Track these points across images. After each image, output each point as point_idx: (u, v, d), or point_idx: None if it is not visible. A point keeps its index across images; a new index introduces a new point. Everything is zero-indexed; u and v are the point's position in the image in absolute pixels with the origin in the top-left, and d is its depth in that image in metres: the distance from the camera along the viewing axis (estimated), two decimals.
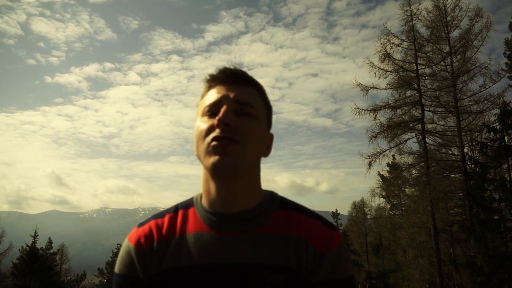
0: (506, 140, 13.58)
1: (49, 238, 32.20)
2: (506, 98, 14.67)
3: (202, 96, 0.98)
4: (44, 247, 30.16)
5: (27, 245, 27.18)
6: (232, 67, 0.96)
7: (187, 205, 0.99)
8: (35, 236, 28.22)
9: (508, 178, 13.44)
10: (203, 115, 0.93)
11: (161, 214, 0.99)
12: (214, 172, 0.87)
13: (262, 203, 0.95)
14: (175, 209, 0.99)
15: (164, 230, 0.94)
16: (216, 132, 0.86)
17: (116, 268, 0.94)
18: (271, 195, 1.00)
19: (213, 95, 0.93)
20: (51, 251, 31.04)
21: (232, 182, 0.89)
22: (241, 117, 0.90)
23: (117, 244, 37.45)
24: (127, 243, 0.95)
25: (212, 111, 0.91)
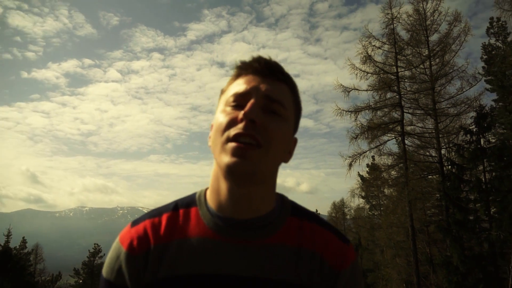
0: (482, 143, 13.94)
1: (23, 237, 31.49)
2: (482, 102, 15.07)
3: (229, 83, 0.89)
4: (17, 247, 29.56)
5: (0, 245, 26.46)
6: (267, 57, 0.87)
7: (189, 203, 0.89)
8: (8, 235, 27.59)
9: (483, 179, 13.80)
10: (226, 104, 0.84)
11: (157, 212, 0.88)
12: (228, 174, 0.78)
13: (274, 209, 0.87)
14: (175, 207, 0.88)
15: (161, 232, 0.84)
16: (238, 128, 0.77)
17: (104, 270, 0.85)
18: (282, 199, 0.92)
19: (241, 84, 0.84)
20: (25, 250, 30.42)
21: (247, 187, 0.80)
22: (268, 115, 0.80)
23: (94, 243, 36.82)
24: (118, 245, 0.85)
25: (237, 102, 0.82)
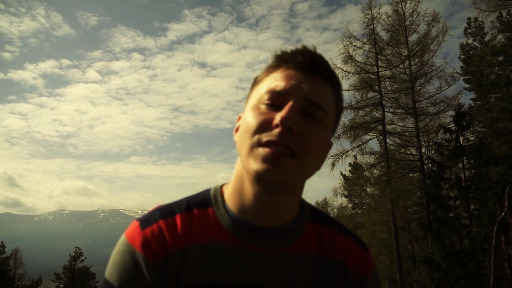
0: (461, 141, 14.22)
1: (2, 242, 31.05)
2: (460, 100, 15.38)
3: (265, 74, 0.78)
4: None
5: None
6: (312, 48, 0.76)
7: (203, 203, 0.80)
8: None
9: (463, 177, 14.07)
10: (260, 101, 0.74)
11: (169, 212, 0.78)
12: (257, 181, 0.71)
13: (295, 218, 0.80)
14: (188, 207, 0.79)
15: (178, 235, 0.75)
16: (272, 135, 0.68)
17: (116, 279, 0.72)
18: (302, 203, 0.85)
19: (279, 80, 0.73)
20: (4, 255, 30.01)
21: (276, 195, 0.73)
22: (307, 120, 0.71)
23: (75, 247, 36.27)
24: (130, 249, 0.73)
25: (273, 100, 0.72)
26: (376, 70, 16.36)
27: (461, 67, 19.44)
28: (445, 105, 15.80)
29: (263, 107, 0.73)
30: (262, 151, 0.68)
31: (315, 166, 0.75)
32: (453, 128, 14.39)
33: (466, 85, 18.64)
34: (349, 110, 16.23)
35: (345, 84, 17.55)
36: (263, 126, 0.70)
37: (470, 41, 20.45)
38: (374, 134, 16.56)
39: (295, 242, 0.78)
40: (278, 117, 0.68)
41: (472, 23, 20.30)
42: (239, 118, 0.81)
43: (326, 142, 0.76)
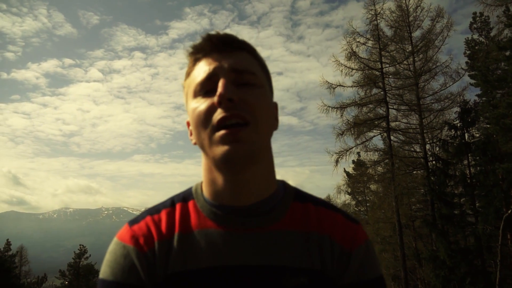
0: (466, 137, 14.08)
1: (7, 239, 31.28)
2: (466, 97, 15.21)
3: (188, 74, 0.81)
4: (2, 249, 29.29)
5: None
6: (215, 32, 0.79)
7: (185, 197, 0.84)
8: None
9: (468, 174, 13.93)
10: (195, 95, 0.77)
11: (156, 209, 0.82)
12: (225, 164, 0.72)
13: (275, 194, 0.81)
14: (171, 203, 0.83)
15: (163, 228, 0.78)
16: (219, 113, 0.71)
17: (108, 275, 0.74)
18: (284, 184, 0.86)
19: (203, 68, 0.76)
20: (10, 253, 30.25)
21: (246, 172, 0.74)
22: (243, 88, 0.74)
23: (80, 245, 36.50)
24: (121, 244, 0.77)
25: (206, 88, 0.75)
26: (379, 67, 16.20)
27: (467, 62, 19.22)
28: (450, 102, 15.61)
29: (199, 98, 0.76)
30: (218, 134, 0.70)
31: (270, 127, 0.78)
32: (458, 125, 14.28)
33: (472, 81, 18.41)
34: (352, 106, 16.12)
35: (348, 80, 17.47)
36: (209, 110, 0.72)
37: (475, 36, 20.21)
38: (378, 131, 16.40)
39: (278, 220, 0.78)
40: (216, 95, 0.71)
41: (478, 18, 20.05)
42: (188, 124, 0.83)
43: (268, 100, 0.79)
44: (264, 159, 0.78)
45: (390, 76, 16.75)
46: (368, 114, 16.33)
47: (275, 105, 0.85)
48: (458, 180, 13.73)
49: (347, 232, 0.80)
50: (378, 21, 16.26)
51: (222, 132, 0.70)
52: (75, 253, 35.62)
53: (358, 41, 16.34)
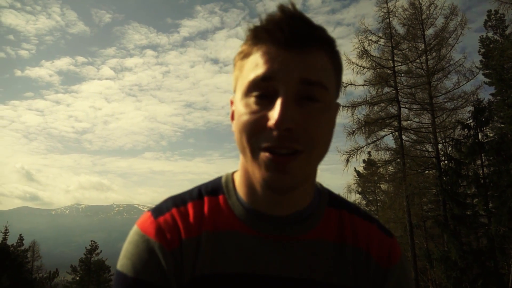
0: (480, 137, 13.87)
1: (20, 234, 31.67)
2: (479, 96, 14.97)
3: (245, 54, 0.67)
4: (15, 244, 29.77)
5: None
6: (290, 9, 0.63)
7: (215, 190, 0.77)
8: (5, 232, 27.65)
9: (481, 174, 13.74)
10: (247, 94, 0.65)
11: (181, 200, 0.75)
12: (267, 189, 0.67)
13: (311, 204, 0.75)
14: (199, 195, 0.76)
15: (191, 223, 0.71)
16: (270, 140, 0.61)
17: (130, 270, 0.67)
18: (319, 188, 0.80)
19: (261, 63, 0.63)
20: (22, 248, 30.62)
21: (287, 195, 0.69)
22: (306, 106, 0.62)
23: (91, 241, 36.88)
24: (144, 237, 0.69)
25: (261, 91, 0.63)
26: (391, 65, 16.07)
27: (481, 61, 18.97)
28: (463, 101, 15.38)
29: (252, 101, 0.64)
30: (264, 157, 0.62)
31: (324, 151, 0.68)
32: (472, 124, 14.07)
33: (486, 80, 18.18)
34: (363, 105, 16.01)
35: (360, 79, 17.35)
36: (258, 128, 0.63)
37: (490, 34, 19.94)
38: (390, 130, 16.27)
39: (312, 228, 0.73)
40: (272, 119, 0.60)
41: (493, 16, 19.77)
42: (232, 102, 0.73)
43: (331, 120, 0.68)
44: (309, 182, 0.72)
45: (402, 75, 16.61)
46: (380, 113, 16.22)
47: (336, 108, 0.73)
48: (471, 180, 13.53)
49: (383, 247, 0.76)
50: (391, 19, 16.13)
51: (269, 156, 0.62)
52: (86, 248, 35.98)
53: (370, 39, 16.23)
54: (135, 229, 0.72)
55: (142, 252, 0.68)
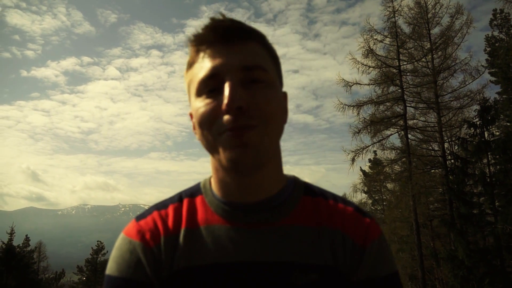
0: (486, 136, 13.83)
1: (26, 235, 31.62)
2: (485, 94, 14.92)
3: (190, 64, 0.76)
4: (21, 245, 29.70)
5: (3, 243, 26.55)
6: (221, 17, 0.73)
7: (193, 193, 0.83)
8: (11, 233, 27.65)
9: (488, 172, 13.70)
10: (199, 94, 0.72)
11: (163, 205, 0.82)
12: (234, 170, 0.71)
13: (284, 189, 0.79)
14: (179, 198, 0.82)
15: (170, 223, 0.77)
16: (227, 122, 0.67)
17: (114, 270, 0.73)
18: (294, 179, 0.84)
19: (206, 64, 0.71)
20: (29, 248, 30.55)
21: (254, 175, 0.73)
22: (251, 87, 0.69)
23: (97, 241, 36.91)
24: (127, 240, 0.76)
25: (210, 86, 0.70)
26: (397, 64, 16.03)
27: (487, 60, 18.88)
28: (469, 99, 15.33)
29: (204, 96, 0.71)
30: (225, 138, 0.68)
31: (280, 126, 0.74)
32: (478, 123, 14.02)
33: (492, 78, 18.10)
34: (369, 104, 15.99)
35: (365, 78, 17.32)
36: (214, 115, 0.69)
37: (495, 33, 19.84)
38: (395, 129, 16.22)
39: (287, 215, 0.76)
40: (224, 102, 0.67)
41: (498, 15, 19.68)
42: (191, 115, 0.79)
43: (278, 97, 0.74)
44: (273, 159, 0.76)
45: (408, 74, 16.57)
46: (385, 112, 16.18)
47: (284, 96, 0.79)
48: (477, 179, 13.49)
49: (360, 226, 0.77)
50: (396, 18, 16.11)
51: (228, 134, 0.67)
52: (92, 249, 36.00)
53: (376, 39, 16.21)
54: (121, 235, 0.79)
55: (124, 253, 0.74)
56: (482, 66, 15.97)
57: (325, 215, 0.78)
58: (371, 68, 16.17)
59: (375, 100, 15.97)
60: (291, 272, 0.71)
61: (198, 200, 0.81)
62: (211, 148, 0.72)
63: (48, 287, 31.67)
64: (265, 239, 0.73)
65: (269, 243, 0.73)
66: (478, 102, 14.61)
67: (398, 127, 16.07)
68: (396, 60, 16.08)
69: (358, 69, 16.18)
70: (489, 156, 13.94)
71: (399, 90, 15.93)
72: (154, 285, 0.72)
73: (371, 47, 16.04)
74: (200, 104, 0.71)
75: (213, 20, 0.72)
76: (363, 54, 16.08)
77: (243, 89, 0.68)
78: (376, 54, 16.12)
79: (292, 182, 0.82)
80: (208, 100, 0.70)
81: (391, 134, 16.22)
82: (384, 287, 0.75)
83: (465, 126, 14.65)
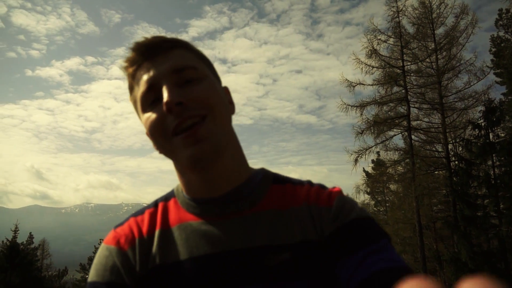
0: (491, 137, 13.71)
1: (30, 233, 31.82)
2: (490, 95, 14.82)
3: (130, 89, 0.80)
4: (25, 242, 29.90)
5: (8, 240, 26.75)
6: (143, 38, 0.77)
7: (167, 197, 0.87)
8: (15, 230, 27.81)
9: (492, 174, 13.58)
10: (144, 109, 0.76)
11: (140, 211, 0.86)
12: (194, 166, 0.72)
13: (251, 179, 0.81)
14: (155, 204, 0.86)
15: (144, 227, 0.81)
16: (172, 120, 0.70)
17: (94, 276, 0.76)
18: (263, 170, 0.86)
19: (141, 81, 0.75)
20: (32, 246, 30.76)
21: (215, 166, 0.75)
22: (187, 86, 0.73)
23: (100, 239, 37.19)
24: (104, 247, 0.80)
25: (150, 99, 0.74)
26: (401, 64, 15.96)
27: (492, 60, 18.69)
28: (474, 100, 15.25)
29: (149, 109, 0.75)
30: (178, 140, 0.71)
31: (226, 113, 0.78)
32: (483, 124, 13.92)
33: (497, 79, 17.97)
34: (372, 105, 15.93)
35: (369, 79, 17.24)
36: (161, 119, 0.72)
37: (501, 33, 19.65)
38: (399, 130, 16.16)
39: (258, 202, 0.78)
40: (163, 104, 0.70)
41: (504, 15, 19.47)
42: (147, 134, 0.81)
43: (218, 87, 0.79)
44: (230, 147, 0.78)
45: (412, 74, 16.50)
46: (389, 112, 16.12)
47: (226, 90, 0.84)
48: (481, 181, 13.38)
49: (323, 193, 0.79)
50: (400, 18, 16.01)
51: (180, 136, 0.70)
52: (95, 247, 36.21)
53: (379, 39, 16.15)
54: (101, 245, 0.82)
55: (102, 259, 0.77)
56: (487, 66, 15.87)
57: (292, 198, 0.80)
58: (374, 69, 16.11)
59: (378, 100, 15.90)
60: (264, 255, 0.72)
61: (171, 202, 0.84)
62: (169, 153, 0.75)
63: (51, 284, 31.84)
64: (236, 228, 0.75)
65: (240, 231, 0.75)
66: (483, 103, 14.52)
67: (402, 128, 16.00)
68: (400, 61, 16.00)
69: (362, 69, 16.13)
70: (494, 158, 13.83)
71: (403, 91, 15.86)
72: (130, 286, 0.74)
73: (375, 47, 15.97)
74: (147, 116, 0.74)
75: (136, 43, 0.77)
76: (366, 55, 16.02)
77: (179, 89, 0.72)
78: (380, 54, 16.05)
79: (260, 173, 0.85)
80: (151, 112, 0.74)
81: (395, 135, 16.16)
82: (350, 231, 0.72)
83: (470, 127, 14.56)
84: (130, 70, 0.77)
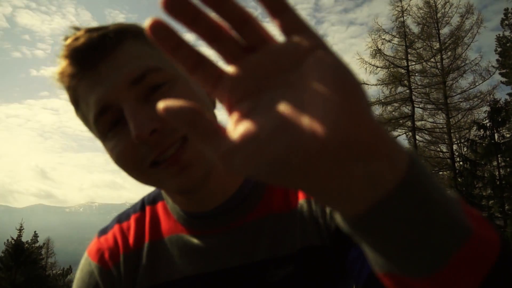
0: (496, 138, 13.65)
1: (35, 231, 32.08)
2: (496, 95, 14.77)
3: (75, 103, 0.64)
4: (29, 241, 30.15)
5: (13, 239, 26.98)
6: (75, 32, 0.60)
7: (155, 198, 0.76)
8: (20, 229, 28.04)
9: (497, 175, 13.52)
10: (102, 136, 0.61)
11: (126, 215, 0.76)
12: (183, 193, 0.64)
13: (244, 184, 0.70)
14: (142, 206, 0.76)
15: (131, 238, 0.72)
16: (148, 151, 0.57)
17: None
18: None
19: (90, 101, 0.58)
20: (37, 244, 31.00)
21: (206, 186, 0.63)
22: (154, 98, 0.57)
23: None
24: (87, 260, 0.72)
25: (108, 122, 0.59)
26: (405, 64, 15.92)
27: (497, 60, 18.59)
28: (479, 100, 15.21)
29: (110, 136, 0.59)
30: (161, 170, 0.58)
31: (212, 115, 0.65)
32: (488, 125, 13.87)
33: (503, 79, 17.85)
34: (376, 105, 15.89)
35: (373, 78, 17.21)
36: (132, 153, 0.58)
37: (507, 33, 19.52)
38: (403, 130, 16.14)
39: (254, 209, 0.69)
40: (133, 138, 0.55)
41: (510, 14, 19.36)
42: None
43: (190, 87, 0.61)
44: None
45: (417, 74, 16.45)
46: (393, 113, 16.09)
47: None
48: (486, 182, 13.34)
49: None
50: (405, 17, 16.00)
51: (161, 167, 0.58)
52: None
53: (384, 39, 16.12)
54: (84, 253, 0.75)
55: (85, 275, 0.71)
56: (493, 66, 15.80)
57: (291, 196, 0.71)
58: (378, 68, 16.08)
59: (382, 100, 15.87)
60: (266, 271, 0.64)
61: (160, 207, 0.75)
62: (149, 183, 0.63)
63: (55, 283, 32.04)
64: (233, 241, 0.67)
65: (238, 245, 0.67)
66: (488, 103, 14.47)
67: (406, 128, 15.96)
68: (404, 60, 15.96)
69: (366, 69, 16.10)
70: (499, 158, 13.77)
71: (407, 91, 15.81)
72: None
73: (379, 47, 15.93)
74: (110, 146, 0.60)
75: (68, 46, 0.58)
76: (370, 54, 16.02)
77: (145, 106, 0.56)
78: (384, 54, 16.02)
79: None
80: (115, 139, 0.59)
81: (399, 135, 16.10)
82: None
83: (475, 127, 14.51)
84: (68, 84, 0.61)
